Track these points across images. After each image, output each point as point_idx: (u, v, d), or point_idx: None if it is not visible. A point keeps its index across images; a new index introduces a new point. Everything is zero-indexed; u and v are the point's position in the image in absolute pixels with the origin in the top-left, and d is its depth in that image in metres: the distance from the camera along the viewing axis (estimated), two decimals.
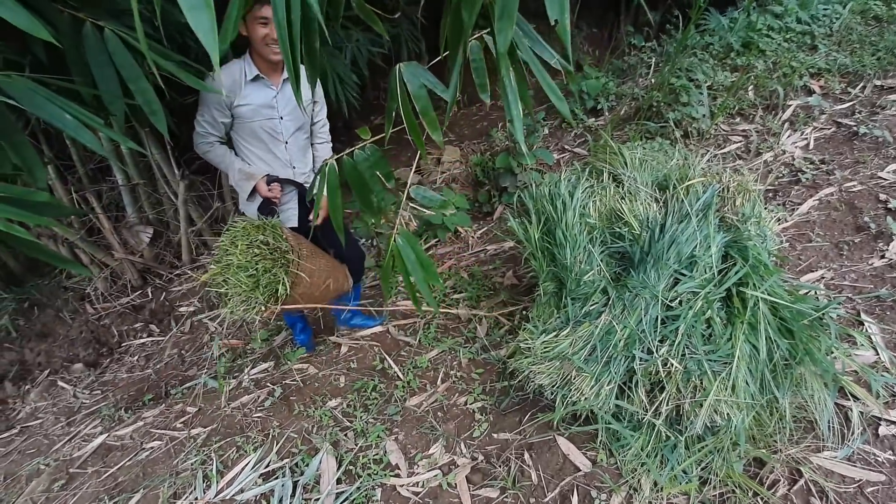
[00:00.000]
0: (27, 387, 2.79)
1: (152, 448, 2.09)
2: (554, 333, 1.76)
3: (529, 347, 1.78)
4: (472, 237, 3.10)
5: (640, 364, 1.60)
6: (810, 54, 3.59)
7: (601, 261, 1.82)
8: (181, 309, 3.17)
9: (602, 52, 4.72)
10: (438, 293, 2.57)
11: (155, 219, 3.41)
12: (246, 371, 2.43)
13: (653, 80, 3.84)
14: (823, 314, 1.61)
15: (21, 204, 1.03)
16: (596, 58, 4.71)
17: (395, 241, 1.13)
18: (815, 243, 2.29)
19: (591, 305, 1.76)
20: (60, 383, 2.75)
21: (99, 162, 3.24)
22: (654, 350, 1.60)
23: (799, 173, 2.71)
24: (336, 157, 1.14)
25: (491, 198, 3.27)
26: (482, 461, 1.77)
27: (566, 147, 3.64)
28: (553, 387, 1.71)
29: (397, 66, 1.03)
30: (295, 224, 2.05)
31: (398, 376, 2.20)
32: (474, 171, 3.36)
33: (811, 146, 2.89)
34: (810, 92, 3.30)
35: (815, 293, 1.93)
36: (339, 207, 1.17)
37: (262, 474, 1.85)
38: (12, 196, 1.03)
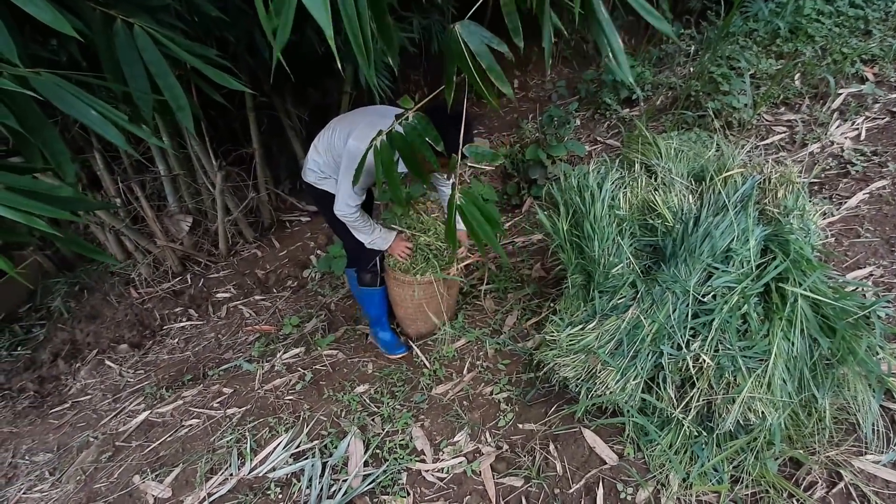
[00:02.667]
0: (78, 365, 2.97)
1: (191, 425, 2.20)
2: (580, 326, 1.75)
3: (555, 340, 1.77)
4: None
5: (668, 359, 1.57)
6: (863, 40, 3.38)
7: (631, 254, 1.78)
8: (218, 295, 3.30)
9: (638, 39, 4.58)
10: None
11: (194, 208, 3.55)
12: (278, 356, 2.51)
13: (691, 69, 3.71)
14: (870, 312, 1.53)
15: (46, 199, 1.07)
16: (631, 46, 4.58)
17: (457, 201, 1.14)
18: (864, 239, 2.17)
19: (619, 299, 1.73)
20: (108, 362, 2.91)
21: (143, 153, 3.39)
22: (684, 346, 1.56)
23: (848, 165, 2.57)
24: (386, 131, 1.16)
25: (520, 190, 3.25)
26: (507, 450, 1.78)
27: (598, 139, 3.57)
28: (578, 380, 1.70)
29: (453, 25, 0.99)
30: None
31: (425, 365, 2.23)
32: (503, 163, 3.34)
33: (862, 136, 2.73)
34: (863, 80, 3.11)
35: (862, 290, 1.84)
36: (397, 181, 1.22)
37: (293, 454, 1.92)
38: (38, 191, 1.07)
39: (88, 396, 2.68)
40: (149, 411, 2.36)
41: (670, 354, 1.56)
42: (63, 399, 2.73)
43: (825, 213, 2.31)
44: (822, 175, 2.59)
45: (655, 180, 1.99)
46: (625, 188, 1.95)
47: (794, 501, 1.41)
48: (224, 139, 3.66)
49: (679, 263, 1.65)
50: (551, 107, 3.31)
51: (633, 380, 1.57)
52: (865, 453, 1.48)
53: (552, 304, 2.26)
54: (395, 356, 2.33)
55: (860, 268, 2.05)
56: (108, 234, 3.39)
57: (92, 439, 2.28)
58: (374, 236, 2.04)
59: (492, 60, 1.02)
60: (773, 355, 1.48)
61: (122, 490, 1.94)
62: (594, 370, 1.65)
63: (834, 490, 1.42)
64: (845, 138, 2.76)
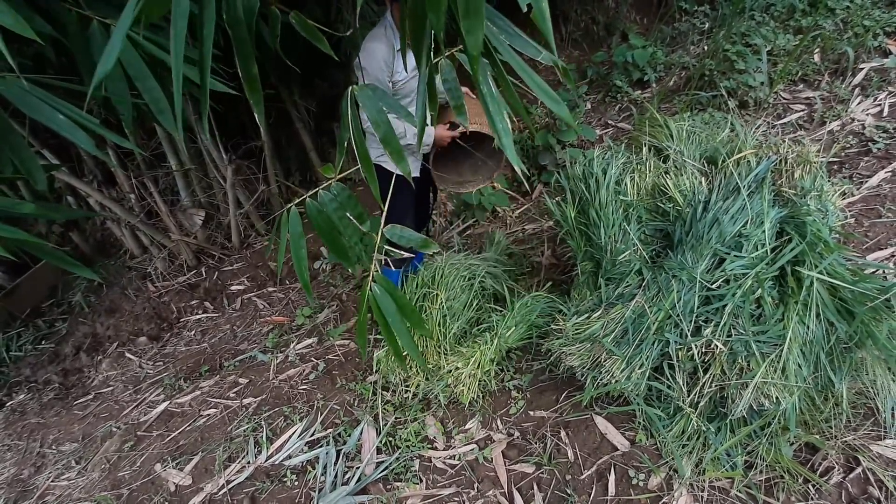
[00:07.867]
0: (99, 357, 3.05)
1: (209, 415, 2.25)
2: (586, 315, 1.73)
3: (561, 329, 1.76)
4: (511, 217, 3.07)
5: (676, 347, 1.55)
6: (887, 11, 3.24)
7: (640, 240, 1.75)
8: (232, 287, 3.34)
9: (650, 18, 4.45)
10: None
11: (206, 202, 3.59)
12: (292, 346, 2.55)
13: (705, 47, 3.60)
14: (890, 295, 1.49)
15: (5, 217, 1.03)
16: (643, 26, 4.45)
17: (370, 289, 1.03)
18: (886, 219, 2.11)
19: (626, 287, 1.71)
20: (128, 354, 2.98)
21: (155, 149, 3.43)
22: (689, 333, 1.54)
23: (870, 143, 2.48)
24: (297, 200, 1.06)
25: (529, 177, 3.21)
26: (518, 437, 1.78)
27: (609, 122, 3.50)
28: (583, 368, 1.69)
29: (349, 88, 0.92)
30: (417, 174, 2.11)
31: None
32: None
33: (885, 113, 2.64)
34: (886, 53, 2.99)
35: (884, 272, 1.79)
36: (304, 258, 1.09)
37: (307, 442, 1.95)
38: None
39: (110, 388, 2.76)
40: (168, 402, 2.42)
41: (677, 342, 1.54)
42: (86, 391, 2.81)
43: (845, 193, 2.24)
44: (843, 154, 2.51)
45: (666, 163, 1.95)
46: (632, 172, 1.92)
47: (810, 487, 1.40)
48: (233, 133, 3.67)
49: (686, 250, 1.62)
50: (560, 90, 3.25)
51: (639, 368, 1.56)
52: (884, 438, 1.45)
53: (562, 293, 2.24)
54: None
55: (881, 248, 2.00)
56: (123, 229, 3.45)
57: (115, 429, 2.35)
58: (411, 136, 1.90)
59: (389, 131, 0.93)
60: (787, 340, 1.45)
61: (144, 478, 2.00)
62: (599, 359, 1.64)
63: (851, 475, 1.39)
64: (867, 115, 2.67)
